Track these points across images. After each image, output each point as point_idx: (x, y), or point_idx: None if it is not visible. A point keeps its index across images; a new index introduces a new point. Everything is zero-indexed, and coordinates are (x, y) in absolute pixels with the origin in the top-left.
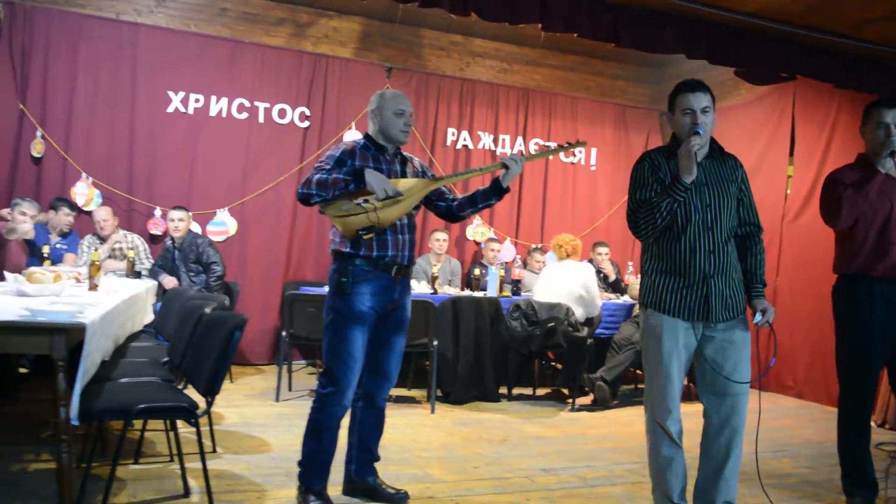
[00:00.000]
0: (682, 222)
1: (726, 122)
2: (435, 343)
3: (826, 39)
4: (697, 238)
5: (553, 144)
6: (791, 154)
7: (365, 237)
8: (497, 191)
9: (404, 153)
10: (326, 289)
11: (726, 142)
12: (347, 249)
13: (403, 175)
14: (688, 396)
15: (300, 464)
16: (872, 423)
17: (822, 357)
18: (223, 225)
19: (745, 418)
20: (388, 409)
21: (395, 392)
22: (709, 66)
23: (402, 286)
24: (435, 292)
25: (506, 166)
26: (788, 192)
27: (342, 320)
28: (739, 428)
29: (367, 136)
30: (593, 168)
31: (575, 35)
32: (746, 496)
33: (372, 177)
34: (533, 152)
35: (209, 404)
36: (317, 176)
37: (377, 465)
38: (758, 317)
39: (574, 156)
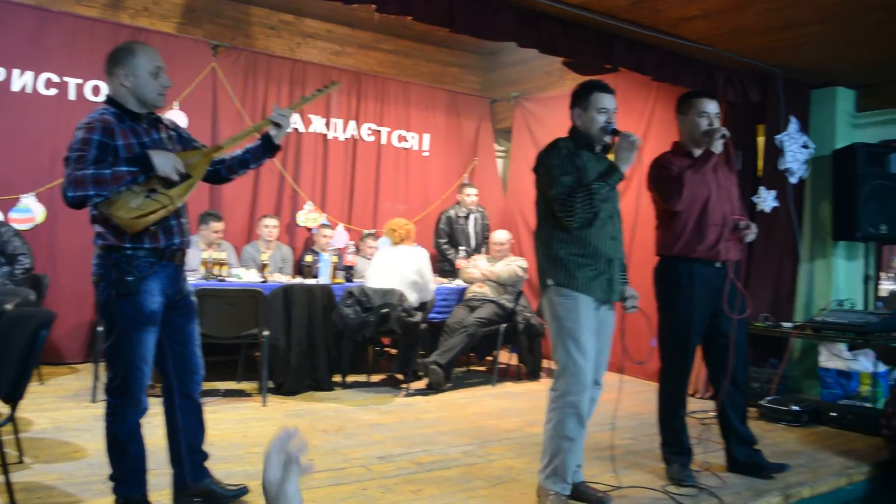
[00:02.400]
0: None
1: (553, 111)
2: (266, 333)
3: (647, 35)
4: (604, 225)
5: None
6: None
7: (153, 229)
8: (270, 149)
9: (152, 115)
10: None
11: (552, 130)
12: (128, 244)
13: (162, 142)
14: (518, 376)
15: (112, 478)
16: None
17: (628, 334)
18: (28, 212)
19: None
20: (218, 403)
21: (224, 385)
22: (538, 55)
23: (184, 272)
24: (265, 280)
25: (277, 124)
26: None
27: (131, 324)
28: (598, 398)
29: (112, 103)
30: (426, 154)
31: (409, 18)
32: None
33: (160, 160)
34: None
35: (12, 411)
36: (89, 172)
37: (206, 463)
38: (631, 302)
39: (406, 141)
